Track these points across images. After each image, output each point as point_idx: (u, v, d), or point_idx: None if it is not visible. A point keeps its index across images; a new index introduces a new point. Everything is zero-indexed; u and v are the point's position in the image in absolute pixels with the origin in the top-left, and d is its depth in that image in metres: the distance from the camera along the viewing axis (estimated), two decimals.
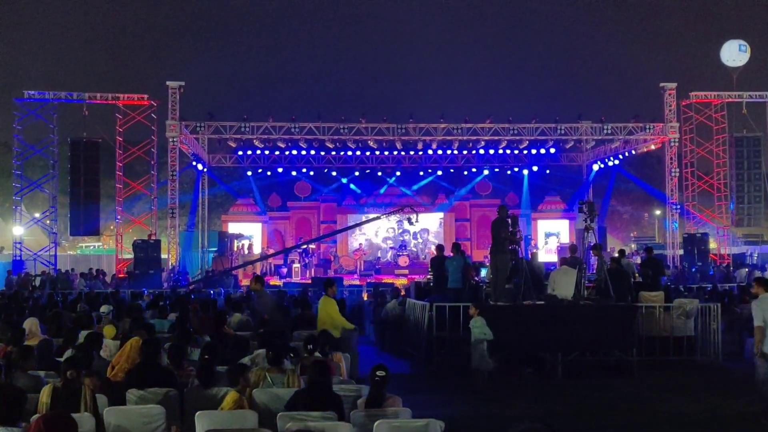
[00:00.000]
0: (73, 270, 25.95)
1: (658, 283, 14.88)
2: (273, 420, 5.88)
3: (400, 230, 32.65)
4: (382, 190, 33.66)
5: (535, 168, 32.68)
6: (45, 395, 5.73)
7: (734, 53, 27.19)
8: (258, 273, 22.38)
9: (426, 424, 5.62)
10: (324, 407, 5.85)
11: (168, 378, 6.80)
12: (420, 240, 33.35)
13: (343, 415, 5.92)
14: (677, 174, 27.20)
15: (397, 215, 29.85)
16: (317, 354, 7.78)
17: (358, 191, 33.67)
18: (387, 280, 26.62)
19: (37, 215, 31.46)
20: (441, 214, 33.97)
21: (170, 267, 25.63)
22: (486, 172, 33.40)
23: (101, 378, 6.78)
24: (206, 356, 7.20)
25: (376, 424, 5.55)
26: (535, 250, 28.11)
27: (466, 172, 33.35)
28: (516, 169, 33.13)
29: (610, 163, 30.87)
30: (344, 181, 33.49)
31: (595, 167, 32.13)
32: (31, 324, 9.09)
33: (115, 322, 9.92)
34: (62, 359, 6.68)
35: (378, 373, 6.23)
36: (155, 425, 5.94)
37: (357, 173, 32.99)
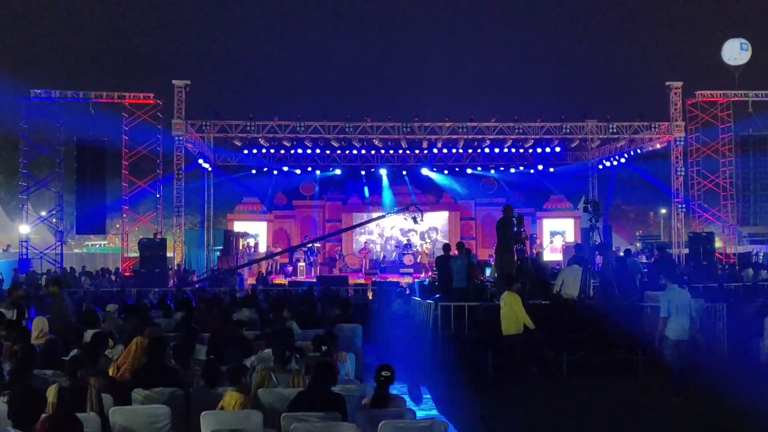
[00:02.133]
0: (70, 269, 26.05)
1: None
2: (278, 420, 5.90)
3: (407, 228, 32.65)
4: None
5: (540, 167, 32.65)
6: (51, 395, 5.75)
7: (736, 52, 27.11)
8: (57, 275, 20.70)
9: (430, 425, 5.63)
10: (326, 408, 5.86)
11: (174, 378, 6.82)
12: (428, 240, 33.32)
13: (346, 416, 5.93)
14: (683, 173, 27.13)
15: (402, 214, 29.83)
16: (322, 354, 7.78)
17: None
18: (392, 279, 26.63)
19: (43, 214, 31.56)
20: (446, 213, 33.96)
21: (176, 266, 25.68)
22: (492, 171, 33.40)
23: (107, 378, 6.82)
24: (212, 356, 7.24)
25: (380, 424, 5.56)
26: (540, 249, 28.09)
27: (469, 170, 33.27)
28: (522, 168, 33.07)
29: (616, 162, 30.82)
30: (362, 171, 33.30)
31: (601, 166, 32.08)
32: (42, 324, 9.12)
33: (120, 322, 9.95)
34: (68, 359, 6.70)
35: (383, 373, 6.25)
36: (161, 425, 5.96)
37: (363, 172, 33.00)
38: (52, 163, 28.03)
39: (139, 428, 5.90)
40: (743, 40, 27.18)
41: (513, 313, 10.71)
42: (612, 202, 34.20)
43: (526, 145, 28.75)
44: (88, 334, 8.44)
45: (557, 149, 29.65)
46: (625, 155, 29.80)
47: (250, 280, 26.75)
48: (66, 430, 3.93)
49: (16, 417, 4.29)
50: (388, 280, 25.66)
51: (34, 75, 50.11)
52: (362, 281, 26.25)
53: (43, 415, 4.27)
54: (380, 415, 5.85)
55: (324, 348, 7.82)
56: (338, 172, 32.83)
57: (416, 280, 24.56)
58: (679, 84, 26.87)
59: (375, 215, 30.77)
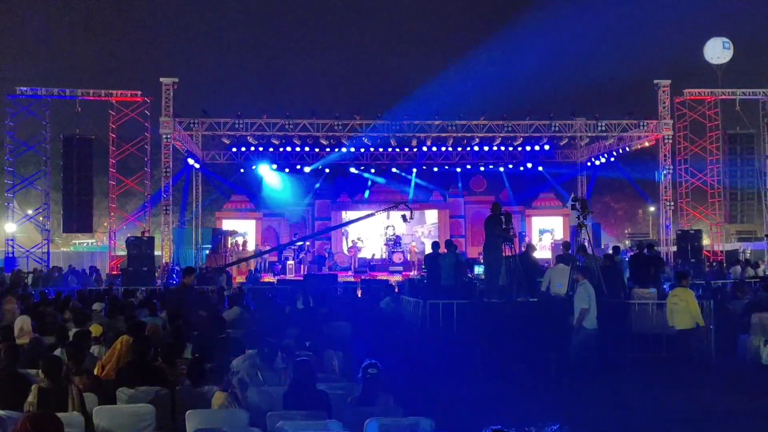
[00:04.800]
0: (62, 266, 25.87)
1: (658, 280, 14.88)
2: (264, 418, 5.85)
3: (391, 227, 32.58)
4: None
5: (529, 165, 32.67)
6: (32, 395, 5.68)
7: (718, 51, 27.27)
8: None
9: (416, 423, 5.60)
10: (311, 406, 5.83)
11: (159, 376, 6.76)
12: (423, 240, 33.27)
13: (330, 413, 5.90)
14: (671, 171, 27.20)
15: (392, 212, 29.78)
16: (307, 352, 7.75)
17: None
18: (381, 276, 26.59)
19: (29, 212, 31.32)
20: (435, 211, 33.94)
21: (164, 264, 25.54)
22: (482, 168, 33.41)
23: (91, 377, 6.75)
24: (197, 354, 7.18)
25: (366, 421, 5.53)
26: (528, 240, 28.03)
27: (459, 169, 33.27)
28: (510, 166, 33.06)
29: (604, 160, 30.88)
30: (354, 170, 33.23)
31: (590, 164, 32.15)
32: (22, 322, 9.04)
33: (106, 321, 9.87)
34: (43, 360, 6.63)
35: (369, 370, 6.22)
36: (145, 424, 5.89)
37: (352, 170, 32.91)
38: (39, 161, 27.84)
39: (123, 428, 5.83)
40: (725, 39, 27.35)
41: (688, 308, 10.79)
42: (601, 200, 34.27)
43: (515, 144, 28.74)
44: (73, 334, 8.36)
45: (546, 147, 29.66)
46: (614, 153, 29.87)
47: (239, 279, 26.63)
48: (47, 430, 3.88)
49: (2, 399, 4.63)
50: (378, 278, 25.61)
51: (20, 72, 49.82)
52: (351, 279, 26.20)
53: (24, 415, 4.24)
54: (366, 412, 5.82)
55: (308, 344, 7.79)
56: (327, 170, 32.72)
57: (405, 278, 24.54)
58: (668, 82, 26.96)
59: (364, 213, 30.69)
